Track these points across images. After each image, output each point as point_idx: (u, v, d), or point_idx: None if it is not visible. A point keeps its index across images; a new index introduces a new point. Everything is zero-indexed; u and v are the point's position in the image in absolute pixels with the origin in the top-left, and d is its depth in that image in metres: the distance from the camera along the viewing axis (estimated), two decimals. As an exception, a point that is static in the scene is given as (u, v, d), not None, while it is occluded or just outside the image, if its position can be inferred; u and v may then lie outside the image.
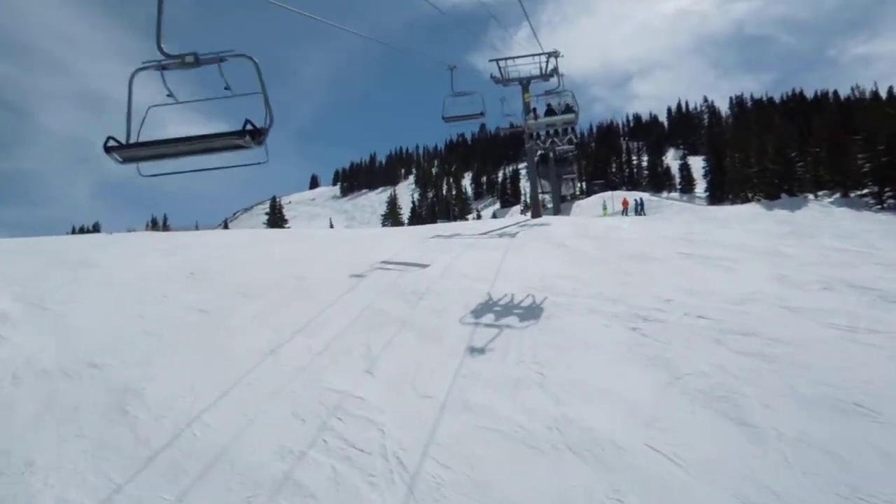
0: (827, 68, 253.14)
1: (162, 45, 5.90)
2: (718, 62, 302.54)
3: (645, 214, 28.32)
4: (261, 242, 18.76)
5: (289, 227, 78.10)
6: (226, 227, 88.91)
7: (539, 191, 76.47)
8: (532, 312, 9.85)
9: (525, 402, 6.57)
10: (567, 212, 62.51)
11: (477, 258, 14.70)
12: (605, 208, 30.59)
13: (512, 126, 27.64)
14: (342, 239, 20.27)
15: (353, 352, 8.22)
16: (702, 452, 5.36)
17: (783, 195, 28.96)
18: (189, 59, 5.88)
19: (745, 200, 48.20)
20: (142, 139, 6.06)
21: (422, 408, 6.54)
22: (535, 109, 21.84)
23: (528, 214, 27.01)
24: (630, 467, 5.24)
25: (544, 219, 25.63)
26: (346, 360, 7.90)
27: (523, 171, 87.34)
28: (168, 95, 6.25)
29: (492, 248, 15.92)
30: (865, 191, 27.51)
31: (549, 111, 21.43)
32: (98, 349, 8.10)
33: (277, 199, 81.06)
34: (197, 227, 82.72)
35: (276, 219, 77.44)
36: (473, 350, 8.13)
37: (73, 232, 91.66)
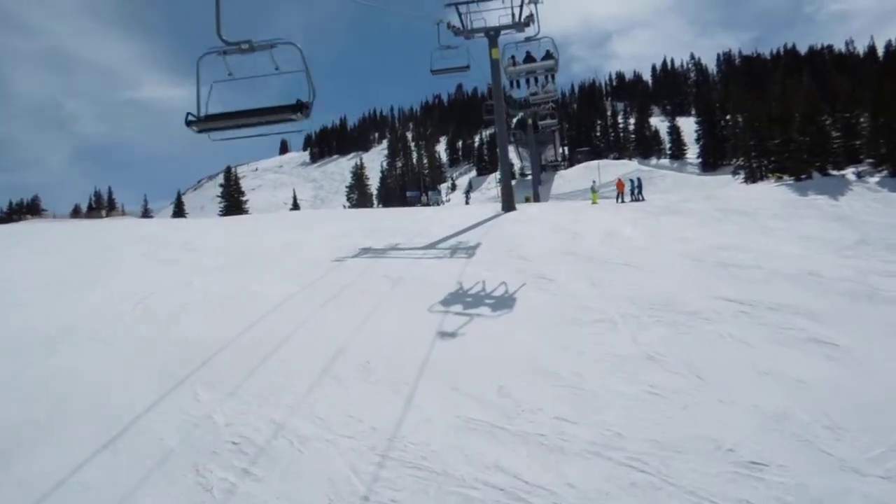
0: (804, 25, 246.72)
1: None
2: (696, 19, 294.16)
3: (643, 198, 22.70)
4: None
5: (246, 200, 71.46)
6: (179, 206, 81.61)
7: (517, 165, 70.70)
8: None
9: None
10: (548, 183, 56.82)
11: (390, 328, 8.90)
12: (594, 191, 24.80)
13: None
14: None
15: None
16: None
17: (814, 173, 23.37)
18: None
19: (751, 172, 42.74)
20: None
21: None
22: (513, 57, 19.50)
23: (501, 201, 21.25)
24: None
25: (518, 212, 19.89)
26: None
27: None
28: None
29: (422, 297, 10.09)
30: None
31: (529, 59, 19.06)
32: None
33: (233, 170, 73.91)
34: (147, 205, 75.82)
35: (232, 191, 70.53)
36: None
37: (11, 207, 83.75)
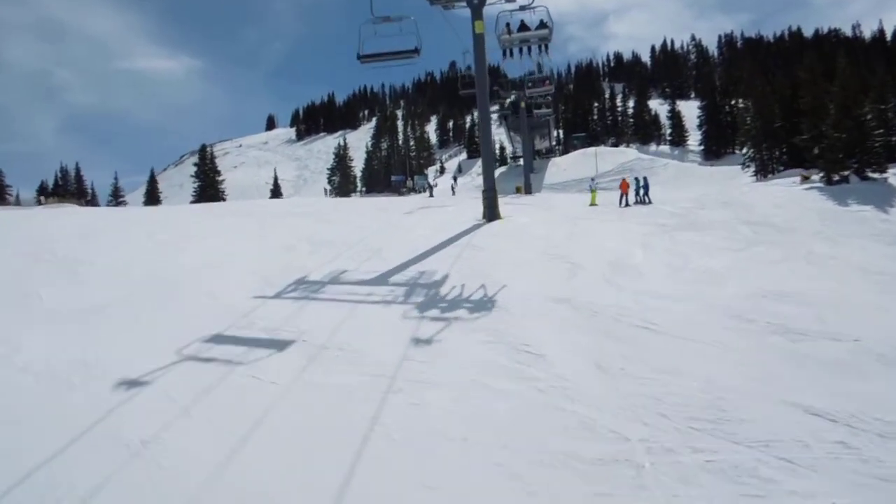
0: (800, 9, 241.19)
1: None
2: (694, 2, 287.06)
3: (650, 201, 19.33)
4: None
5: (222, 181, 67.42)
6: (152, 187, 77.27)
7: (508, 149, 66.77)
8: None
9: None
10: (542, 172, 53.10)
11: (264, 481, 5.37)
12: (593, 190, 21.38)
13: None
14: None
15: None
16: None
17: (850, 174, 20.01)
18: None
19: (762, 165, 39.34)
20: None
21: None
22: (508, 24, 17.90)
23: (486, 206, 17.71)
24: None
25: (503, 223, 16.45)
26: None
27: (494, 116, 77.24)
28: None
29: (336, 398, 6.55)
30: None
31: (523, 27, 18.04)
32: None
33: (209, 148, 69.57)
34: (117, 182, 71.44)
35: (208, 170, 66.37)
36: None
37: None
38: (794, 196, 19.67)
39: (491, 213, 16.62)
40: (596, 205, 21.95)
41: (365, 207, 23.76)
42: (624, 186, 20.82)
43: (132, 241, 14.85)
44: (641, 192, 21.38)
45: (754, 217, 16.68)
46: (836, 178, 20.23)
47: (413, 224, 16.97)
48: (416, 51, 15.84)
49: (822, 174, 21.27)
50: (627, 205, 20.68)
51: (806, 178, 22.46)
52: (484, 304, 9.39)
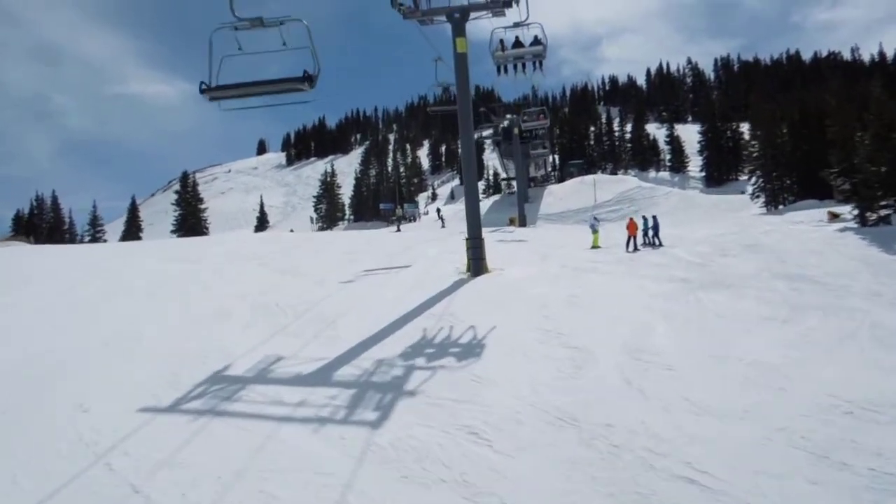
0: (791, 33, 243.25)
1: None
2: (684, 26, 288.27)
3: (660, 242, 16.71)
4: None
5: (205, 209, 64.74)
6: (133, 217, 74.30)
7: (504, 172, 64.62)
8: None
9: None
10: (537, 201, 50.52)
11: None
12: (595, 231, 18.67)
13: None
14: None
15: None
16: None
17: (892, 214, 17.47)
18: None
19: (773, 196, 36.90)
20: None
21: None
22: (502, 41, 17.08)
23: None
24: None
25: (491, 278, 13.76)
26: None
27: (488, 142, 75.02)
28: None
29: None
30: None
31: (517, 44, 17.24)
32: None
33: (190, 176, 67.06)
34: (96, 212, 68.46)
35: (189, 198, 63.75)
36: None
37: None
38: (827, 239, 17.05)
39: (476, 266, 13.91)
40: (599, 247, 19.30)
41: (336, 249, 21.06)
42: (632, 228, 18.14)
43: (37, 302, 12.11)
44: (651, 232, 18.74)
45: (789, 268, 14.03)
46: (873, 217, 17.66)
47: (382, 279, 14.25)
48: (307, 79, 9.15)
49: (854, 212, 18.71)
50: (636, 248, 18.03)
51: (835, 217, 19.89)
52: (455, 428, 6.63)
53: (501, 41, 17.14)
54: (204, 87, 8.90)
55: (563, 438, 6.39)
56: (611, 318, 10.45)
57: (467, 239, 14.47)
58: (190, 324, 10.84)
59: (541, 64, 17.59)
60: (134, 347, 9.67)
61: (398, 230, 38.67)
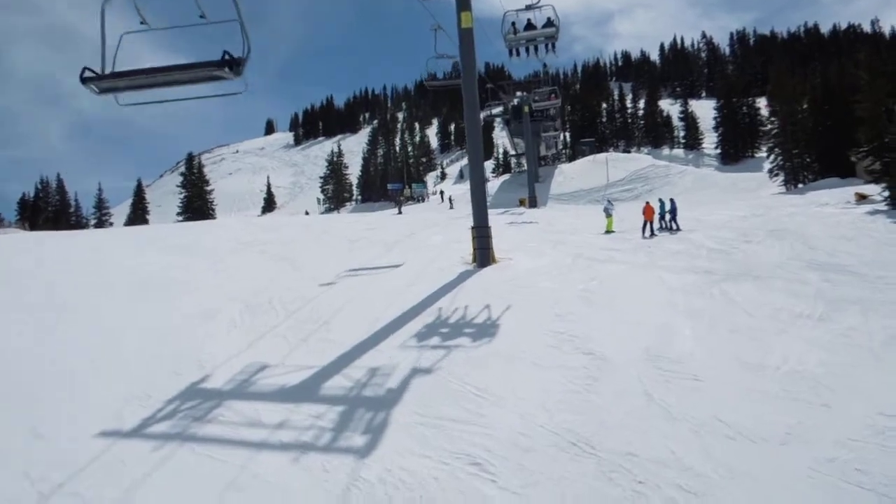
0: (809, 5, 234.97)
1: None
2: (699, 0, 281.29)
3: (678, 226, 15.70)
4: None
5: (211, 190, 64.01)
6: (139, 201, 73.54)
7: (514, 151, 63.34)
8: None
9: None
10: (548, 180, 49.23)
11: None
12: (609, 215, 17.67)
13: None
14: None
15: None
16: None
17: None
18: None
19: (793, 173, 35.45)
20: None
21: None
22: (514, 24, 17.00)
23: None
24: None
25: (499, 269, 12.84)
26: None
27: (498, 119, 73.50)
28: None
29: None
30: None
31: (530, 27, 17.05)
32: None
33: (196, 157, 66.29)
34: (101, 195, 67.91)
35: (195, 180, 63.03)
36: None
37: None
38: (857, 223, 15.97)
39: (483, 257, 13.00)
40: (613, 231, 18.31)
41: (339, 233, 20.22)
42: (648, 213, 17.11)
43: (14, 302, 11.38)
44: (668, 216, 17.70)
45: (820, 256, 13.02)
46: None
47: (378, 281, 13.35)
48: (229, 64, 6.46)
49: (885, 193, 17.56)
50: (653, 233, 17.02)
51: (863, 198, 18.73)
52: (454, 457, 5.78)
53: (514, 24, 17.04)
54: (88, 74, 6.16)
55: (579, 470, 5.53)
56: (629, 318, 9.53)
57: (473, 227, 13.55)
58: (169, 329, 10.04)
59: (553, 45, 17.46)
60: (106, 356, 8.90)
61: (399, 213, 37.84)
